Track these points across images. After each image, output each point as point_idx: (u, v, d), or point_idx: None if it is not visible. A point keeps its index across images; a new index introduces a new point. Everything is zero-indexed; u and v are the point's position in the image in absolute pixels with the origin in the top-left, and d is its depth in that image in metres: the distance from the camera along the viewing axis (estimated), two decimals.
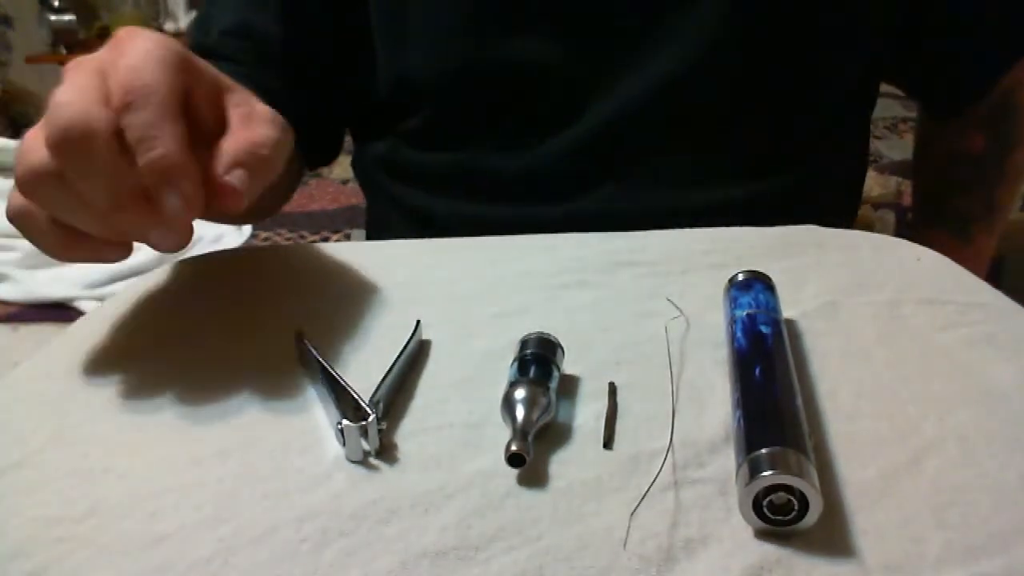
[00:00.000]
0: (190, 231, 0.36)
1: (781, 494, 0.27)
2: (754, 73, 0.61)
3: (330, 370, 0.36)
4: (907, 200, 1.46)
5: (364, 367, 0.38)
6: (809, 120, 0.64)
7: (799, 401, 0.32)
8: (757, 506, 0.28)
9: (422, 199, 0.70)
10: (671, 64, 0.60)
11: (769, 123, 0.63)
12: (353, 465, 0.32)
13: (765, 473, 0.27)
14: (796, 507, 0.27)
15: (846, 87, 0.65)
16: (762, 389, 0.33)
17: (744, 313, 0.38)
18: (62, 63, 3.48)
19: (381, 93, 0.70)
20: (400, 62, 0.67)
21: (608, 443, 0.33)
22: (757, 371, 0.33)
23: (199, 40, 0.71)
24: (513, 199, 0.64)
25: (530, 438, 0.31)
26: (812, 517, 0.27)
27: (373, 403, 0.34)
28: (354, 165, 0.80)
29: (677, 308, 0.43)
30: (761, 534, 0.28)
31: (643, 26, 0.61)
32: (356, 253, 0.53)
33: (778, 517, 0.28)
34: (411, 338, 0.40)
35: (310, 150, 0.75)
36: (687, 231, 0.52)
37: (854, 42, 0.63)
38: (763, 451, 0.28)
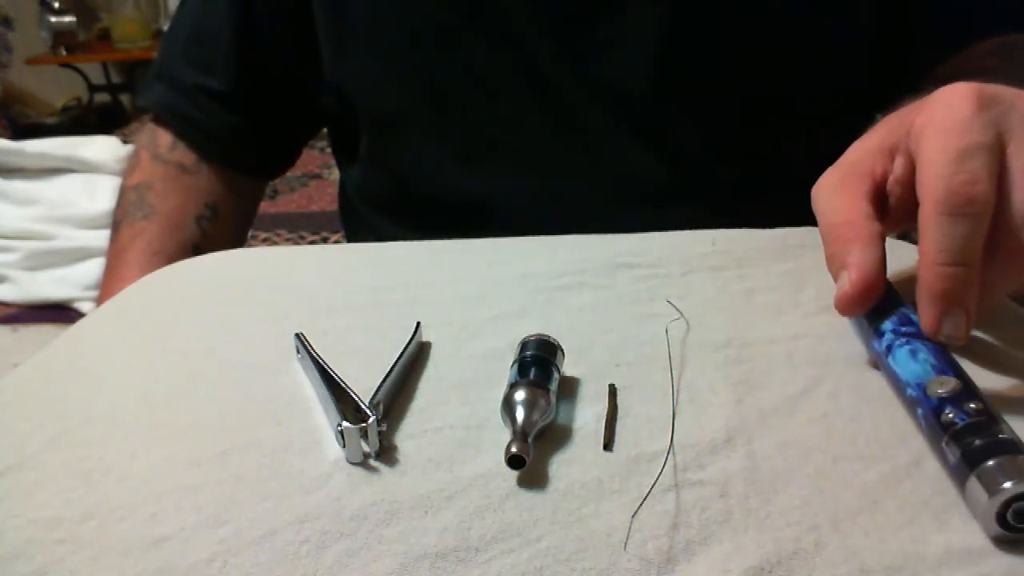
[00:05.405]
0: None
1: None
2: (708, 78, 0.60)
3: (330, 371, 0.36)
4: None
5: (364, 368, 0.38)
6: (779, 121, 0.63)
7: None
8: (1000, 517, 0.27)
9: (390, 228, 0.70)
10: (619, 72, 0.60)
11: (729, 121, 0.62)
12: (353, 467, 0.32)
13: (1006, 485, 0.27)
14: None
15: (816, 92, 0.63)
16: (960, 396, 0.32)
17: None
18: (62, 65, 3.49)
19: (329, 100, 0.70)
20: (338, 67, 0.67)
21: (608, 445, 0.33)
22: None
23: (162, 66, 0.73)
24: (475, 228, 0.60)
25: (530, 440, 0.32)
26: None
27: (373, 405, 0.34)
28: (339, 204, 0.80)
29: (677, 310, 0.43)
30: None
31: (589, 33, 0.60)
32: (356, 254, 0.53)
33: (1022, 525, 0.27)
34: (411, 340, 0.40)
35: (261, 155, 0.75)
36: (687, 233, 0.52)
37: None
38: (991, 462, 0.28)
